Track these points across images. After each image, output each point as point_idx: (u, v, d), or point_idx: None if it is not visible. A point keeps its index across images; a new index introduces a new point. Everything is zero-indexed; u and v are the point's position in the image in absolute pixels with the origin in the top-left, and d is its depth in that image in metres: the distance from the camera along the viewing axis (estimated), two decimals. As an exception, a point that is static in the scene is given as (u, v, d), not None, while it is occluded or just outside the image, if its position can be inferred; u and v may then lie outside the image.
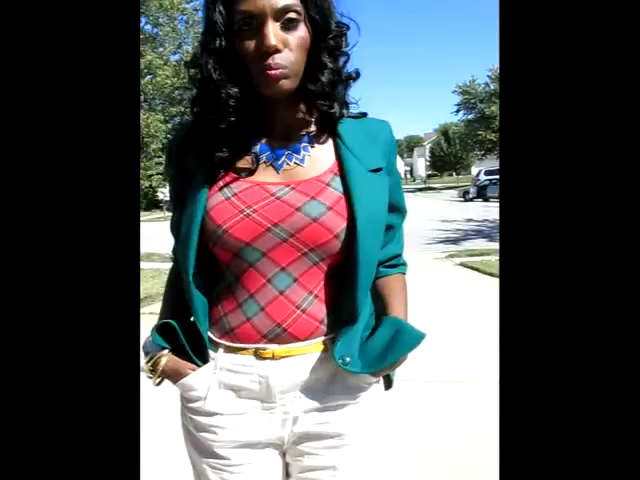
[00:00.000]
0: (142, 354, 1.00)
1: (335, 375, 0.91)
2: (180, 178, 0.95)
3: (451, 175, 58.15)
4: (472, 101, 37.96)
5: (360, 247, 0.87)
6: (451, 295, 5.78)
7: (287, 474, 0.98)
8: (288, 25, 0.82)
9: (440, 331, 4.36)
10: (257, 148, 0.91)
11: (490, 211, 17.51)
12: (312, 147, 0.92)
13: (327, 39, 0.84)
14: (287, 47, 0.82)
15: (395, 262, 1.10)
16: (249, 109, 0.89)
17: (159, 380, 0.99)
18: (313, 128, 0.93)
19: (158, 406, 2.99)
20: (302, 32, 0.83)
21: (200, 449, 0.95)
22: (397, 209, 1.04)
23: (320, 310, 0.90)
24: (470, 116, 39.30)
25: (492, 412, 2.24)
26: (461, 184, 38.81)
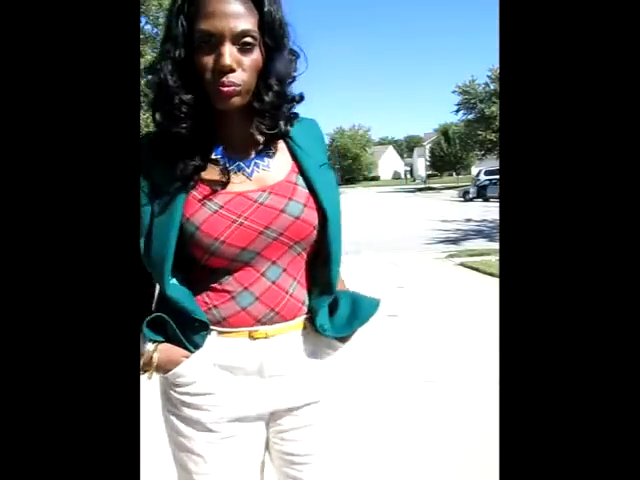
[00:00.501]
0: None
1: (314, 346, 1.05)
2: (144, 190, 0.98)
3: (451, 175, 58.12)
4: (472, 101, 37.96)
5: (331, 231, 1.00)
6: (451, 295, 5.79)
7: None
8: (244, 48, 0.89)
9: (440, 331, 4.36)
10: (225, 160, 0.98)
11: (490, 211, 17.52)
12: (272, 152, 1.01)
13: (277, 64, 0.93)
14: (240, 67, 0.90)
15: None
16: (204, 119, 0.95)
17: (151, 375, 1.03)
18: (267, 136, 1.00)
19: (158, 405, 2.99)
20: (255, 55, 0.91)
21: (190, 427, 1.03)
22: None
23: (302, 293, 1.03)
24: (470, 116, 39.29)
25: (492, 412, 2.24)
26: (461, 184, 38.81)
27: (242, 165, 0.99)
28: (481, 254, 8.23)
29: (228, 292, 0.99)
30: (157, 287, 1.01)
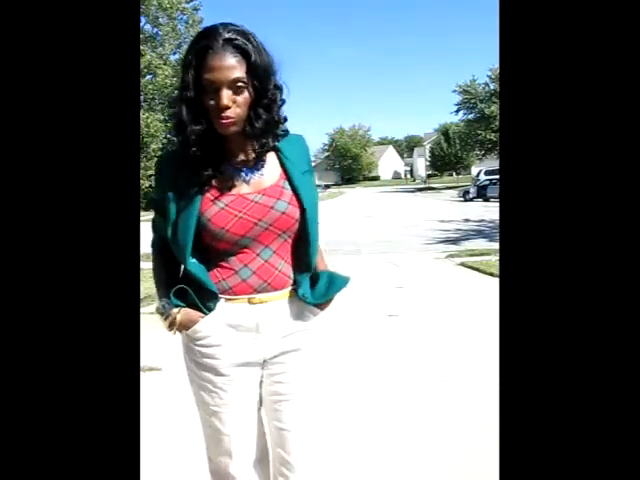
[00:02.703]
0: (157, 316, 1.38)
1: (299, 311, 1.39)
2: (171, 192, 1.33)
3: (451, 175, 58.06)
4: (472, 101, 37.94)
5: (309, 223, 1.34)
6: (451, 295, 5.78)
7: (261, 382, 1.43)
8: (237, 90, 1.22)
9: (440, 331, 4.36)
10: (230, 170, 1.33)
11: (490, 211, 17.52)
12: (265, 162, 1.34)
13: (263, 99, 1.26)
14: (235, 104, 1.23)
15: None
16: (212, 141, 1.29)
17: (175, 331, 1.37)
18: (261, 152, 1.33)
19: (158, 405, 2.99)
20: (246, 94, 1.24)
21: (205, 371, 1.37)
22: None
23: (288, 270, 1.38)
24: (470, 116, 39.27)
25: (492, 412, 2.24)
26: (461, 184, 38.78)
27: (242, 173, 1.33)
28: (481, 254, 8.23)
29: (232, 268, 1.33)
30: (182, 266, 1.36)
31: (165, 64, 24.28)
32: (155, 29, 25.54)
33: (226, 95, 1.21)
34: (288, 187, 1.33)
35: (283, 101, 1.33)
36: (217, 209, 1.29)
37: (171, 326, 1.35)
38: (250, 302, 1.34)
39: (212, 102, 1.22)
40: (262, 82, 1.25)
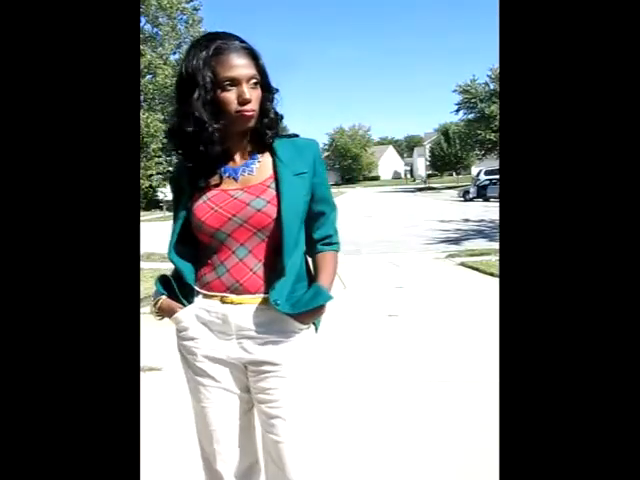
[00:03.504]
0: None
1: (273, 320, 1.35)
2: (177, 193, 1.45)
3: (451, 175, 58.03)
4: (472, 101, 37.92)
5: (285, 224, 1.32)
6: (451, 295, 5.79)
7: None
8: (253, 86, 1.31)
9: (440, 331, 4.36)
10: (222, 169, 1.38)
11: (490, 211, 17.52)
12: (259, 162, 1.39)
13: (269, 95, 1.36)
14: (252, 99, 1.30)
15: (329, 241, 1.48)
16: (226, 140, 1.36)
17: (160, 318, 1.44)
18: (258, 149, 1.40)
19: (158, 405, 2.99)
20: (259, 91, 1.33)
21: (188, 364, 1.43)
22: (324, 201, 1.45)
23: (264, 273, 1.36)
24: (470, 116, 39.25)
25: (492, 412, 2.24)
26: (461, 184, 38.75)
27: (232, 171, 1.38)
28: (481, 254, 8.23)
29: (212, 264, 1.38)
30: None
31: (165, 64, 24.28)
32: (155, 29, 25.56)
33: (247, 89, 1.29)
34: (273, 187, 1.35)
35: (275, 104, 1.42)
36: (200, 202, 1.36)
37: (154, 311, 1.44)
38: (222, 301, 1.36)
39: (232, 97, 1.29)
40: (266, 83, 1.35)
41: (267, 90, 1.36)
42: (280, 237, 1.33)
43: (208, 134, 1.30)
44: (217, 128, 1.30)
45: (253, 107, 1.31)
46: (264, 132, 1.37)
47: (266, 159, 1.40)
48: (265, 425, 1.39)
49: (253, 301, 1.35)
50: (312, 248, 1.46)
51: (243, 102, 1.29)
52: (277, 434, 1.36)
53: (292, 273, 1.36)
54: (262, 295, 1.35)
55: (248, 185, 1.36)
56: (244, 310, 1.35)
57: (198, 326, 1.39)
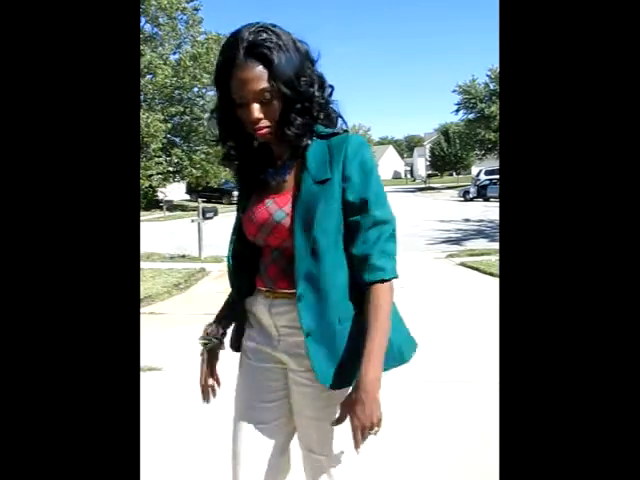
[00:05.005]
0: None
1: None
2: (238, 189, 1.46)
3: (451, 175, 58.04)
4: (472, 101, 37.91)
5: (295, 243, 1.23)
6: (451, 295, 5.79)
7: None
8: (265, 100, 1.19)
9: (440, 331, 4.36)
10: (269, 173, 1.31)
11: (490, 211, 17.51)
12: (292, 168, 1.29)
13: (295, 104, 1.21)
14: (266, 114, 1.21)
15: (364, 267, 1.22)
16: (260, 149, 1.33)
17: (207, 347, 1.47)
18: (293, 154, 1.29)
19: (158, 405, 2.99)
20: (274, 103, 1.20)
21: (243, 350, 1.44)
22: (357, 208, 1.22)
23: (290, 273, 1.26)
24: (470, 116, 39.25)
25: (492, 412, 2.24)
26: (461, 184, 38.75)
27: (272, 176, 1.30)
28: (481, 254, 8.23)
29: (262, 262, 1.35)
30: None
31: (165, 64, 24.26)
32: (155, 29, 25.54)
33: (255, 109, 1.19)
34: (296, 196, 1.25)
35: (324, 98, 1.26)
36: (246, 209, 1.35)
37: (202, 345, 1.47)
38: (265, 296, 1.33)
39: (243, 116, 1.22)
40: (290, 86, 1.19)
41: (290, 97, 1.19)
42: (292, 256, 1.24)
43: (226, 150, 1.32)
44: (231, 146, 1.31)
45: (266, 124, 1.21)
46: (290, 141, 1.25)
47: (296, 165, 1.29)
48: (302, 448, 1.38)
49: (285, 296, 1.28)
50: (355, 276, 1.24)
51: (251, 122, 1.21)
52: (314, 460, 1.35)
53: (297, 283, 1.24)
54: (288, 290, 1.27)
55: (278, 194, 1.29)
56: (278, 304, 1.30)
57: (250, 315, 1.39)
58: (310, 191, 1.22)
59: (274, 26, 1.21)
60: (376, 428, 1.19)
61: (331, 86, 1.29)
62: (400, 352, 1.31)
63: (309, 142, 1.26)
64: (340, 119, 1.31)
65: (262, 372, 1.38)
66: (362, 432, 1.17)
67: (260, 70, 1.17)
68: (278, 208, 1.27)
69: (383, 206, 1.23)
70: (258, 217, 1.29)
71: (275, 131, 1.24)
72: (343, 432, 1.24)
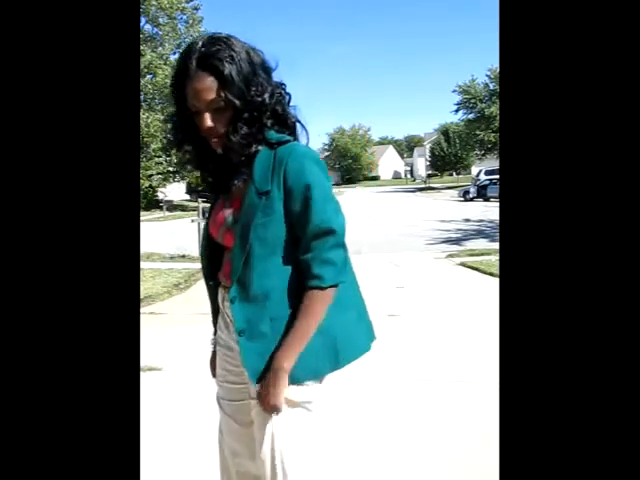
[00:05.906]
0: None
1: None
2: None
3: (451, 175, 58.09)
4: (472, 101, 37.92)
5: (234, 243, 1.29)
6: (451, 295, 5.79)
7: None
8: (218, 109, 1.24)
9: (440, 331, 4.36)
10: (225, 178, 1.34)
11: (490, 211, 17.52)
12: (245, 174, 1.30)
13: (242, 113, 1.24)
14: (219, 123, 1.25)
15: (306, 274, 1.26)
16: (218, 155, 1.32)
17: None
18: (241, 163, 1.32)
19: (158, 405, 2.99)
20: (225, 113, 1.24)
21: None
22: (298, 220, 1.26)
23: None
24: (470, 116, 39.27)
25: (492, 412, 2.24)
26: (461, 184, 38.76)
27: (228, 180, 1.33)
28: (481, 254, 8.23)
29: (223, 259, 1.41)
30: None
31: (165, 64, 24.26)
32: (155, 29, 25.55)
33: (207, 117, 1.24)
34: (241, 204, 1.31)
35: (281, 105, 1.30)
36: (211, 211, 1.43)
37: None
38: (221, 287, 1.42)
39: (199, 124, 1.26)
40: (239, 96, 1.23)
41: (239, 106, 1.23)
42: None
43: (182, 154, 1.35)
44: (187, 150, 1.33)
45: (217, 133, 1.26)
46: (235, 151, 1.28)
47: (249, 172, 1.31)
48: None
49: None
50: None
51: (204, 131, 1.26)
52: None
53: (233, 277, 1.31)
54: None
55: (233, 199, 1.34)
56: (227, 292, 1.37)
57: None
58: (252, 202, 1.27)
59: (228, 37, 1.25)
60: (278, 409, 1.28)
61: (288, 93, 1.34)
62: (335, 354, 1.37)
63: (259, 149, 1.29)
64: (299, 124, 1.36)
65: (225, 353, 1.46)
66: (266, 406, 1.27)
67: (211, 81, 1.21)
68: (230, 213, 1.33)
69: (326, 216, 1.25)
70: (217, 219, 1.38)
71: (224, 139, 1.28)
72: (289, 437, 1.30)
